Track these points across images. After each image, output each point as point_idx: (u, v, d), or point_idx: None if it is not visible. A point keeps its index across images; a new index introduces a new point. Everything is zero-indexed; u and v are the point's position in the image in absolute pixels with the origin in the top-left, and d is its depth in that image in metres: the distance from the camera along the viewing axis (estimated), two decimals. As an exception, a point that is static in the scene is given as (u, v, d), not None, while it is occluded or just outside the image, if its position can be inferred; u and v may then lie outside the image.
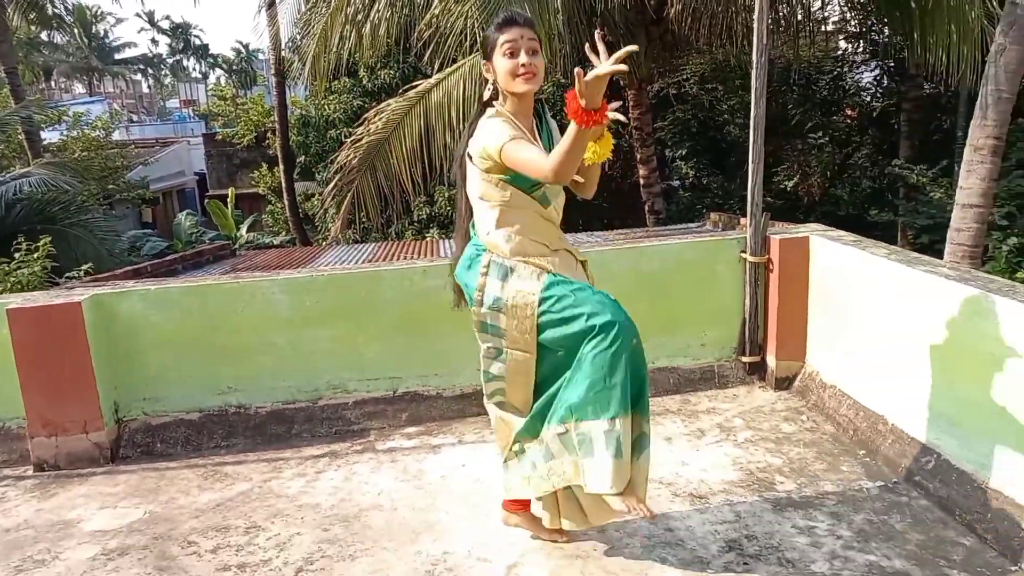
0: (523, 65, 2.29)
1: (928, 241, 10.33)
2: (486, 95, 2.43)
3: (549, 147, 2.41)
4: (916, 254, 3.35)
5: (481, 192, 2.43)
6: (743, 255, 3.95)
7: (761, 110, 3.65)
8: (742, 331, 4.05)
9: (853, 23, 11.39)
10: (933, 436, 2.98)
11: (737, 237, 4.01)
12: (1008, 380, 2.60)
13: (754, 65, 3.61)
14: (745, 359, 4.06)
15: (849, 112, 13.97)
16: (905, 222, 11.01)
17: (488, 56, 2.37)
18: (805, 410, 3.76)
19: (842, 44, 13.18)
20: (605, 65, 1.95)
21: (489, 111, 2.42)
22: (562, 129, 2.23)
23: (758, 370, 4.07)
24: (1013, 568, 2.48)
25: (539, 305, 2.33)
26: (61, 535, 3.07)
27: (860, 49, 13.21)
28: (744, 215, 7.72)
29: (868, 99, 13.65)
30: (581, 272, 2.53)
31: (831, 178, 13.47)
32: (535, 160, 2.21)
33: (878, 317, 3.34)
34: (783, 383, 3.95)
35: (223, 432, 3.82)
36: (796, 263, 3.82)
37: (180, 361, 3.79)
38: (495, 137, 2.30)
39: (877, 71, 13.42)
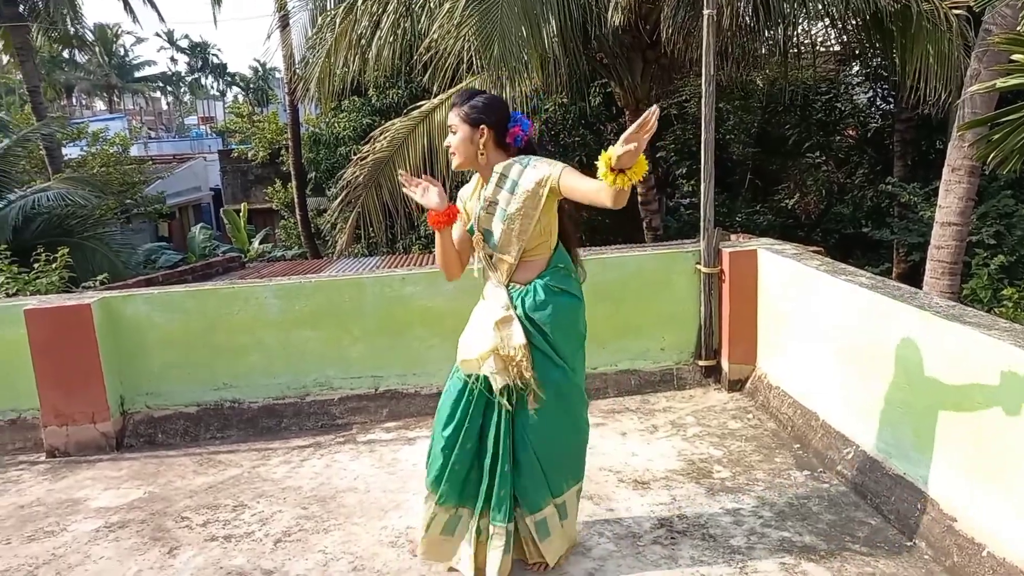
0: (447, 146, 2.64)
1: (919, 258, 10.58)
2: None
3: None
4: (844, 265, 3.66)
5: None
6: (698, 266, 4.27)
7: (710, 135, 3.98)
8: (698, 337, 4.37)
9: (838, 45, 11.72)
10: (853, 430, 3.29)
11: (693, 249, 4.33)
12: (907, 376, 2.91)
13: (704, 93, 3.96)
14: (701, 362, 4.37)
15: (851, 132, 14.26)
16: (897, 240, 11.27)
17: None
18: (753, 409, 4.06)
19: (837, 66, 13.49)
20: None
21: None
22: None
23: (713, 373, 4.38)
24: (908, 543, 2.77)
25: None
26: (69, 511, 3.43)
27: (854, 71, 13.53)
28: (742, 232, 7.94)
29: (864, 120, 13.95)
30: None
31: (828, 196, 13.74)
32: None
33: (812, 322, 3.65)
34: (736, 385, 4.26)
35: (219, 424, 4.18)
36: (745, 274, 4.14)
37: (180, 359, 4.16)
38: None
39: (871, 92, 13.72)
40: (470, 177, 2.78)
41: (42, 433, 4.02)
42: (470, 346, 2.57)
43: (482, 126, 2.55)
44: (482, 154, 2.57)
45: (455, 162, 2.61)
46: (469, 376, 2.59)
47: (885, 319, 3.04)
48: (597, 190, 2.34)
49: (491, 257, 2.65)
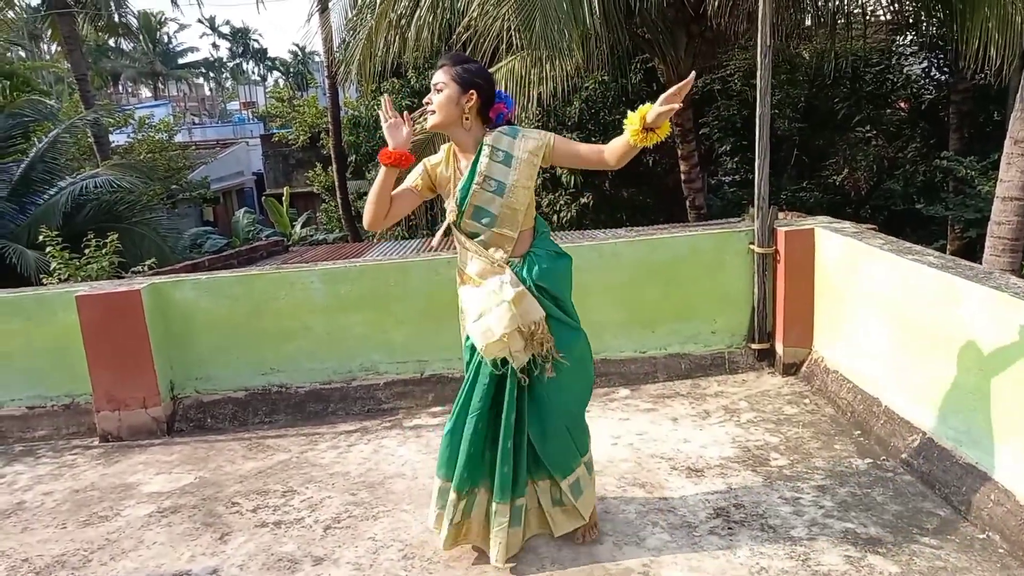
0: (426, 102, 2.50)
1: (975, 235, 10.18)
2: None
3: (468, 183, 2.50)
4: (909, 244, 3.49)
5: None
6: (751, 246, 4.13)
7: (766, 108, 3.82)
8: (751, 319, 4.24)
9: (889, 15, 11.28)
10: (918, 416, 3.14)
11: (746, 229, 4.19)
12: (978, 360, 2.76)
13: (759, 66, 3.79)
14: (754, 346, 4.24)
15: (903, 105, 13.76)
16: (952, 216, 10.87)
17: None
18: (809, 394, 3.93)
19: (889, 36, 12.99)
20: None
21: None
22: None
23: (767, 356, 4.24)
24: (981, 536, 2.64)
25: None
26: (123, 495, 3.46)
27: (907, 41, 13.03)
28: (788, 211, 7.70)
29: (917, 91, 13.44)
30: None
31: (879, 172, 13.31)
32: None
33: (873, 304, 3.50)
34: (791, 369, 4.13)
35: (266, 409, 4.19)
36: (802, 254, 3.98)
37: (228, 344, 4.17)
38: None
39: (925, 63, 13.20)
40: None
41: (95, 418, 4.08)
42: (491, 329, 2.44)
43: (472, 91, 2.45)
44: (467, 118, 2.47)
45: (432, 120, 2.48)
46: (485, 361, 2.53)
47: (956, 300, 2.88)
48: (599, 150, 2.48)
49: (475, 236, 2.54)
